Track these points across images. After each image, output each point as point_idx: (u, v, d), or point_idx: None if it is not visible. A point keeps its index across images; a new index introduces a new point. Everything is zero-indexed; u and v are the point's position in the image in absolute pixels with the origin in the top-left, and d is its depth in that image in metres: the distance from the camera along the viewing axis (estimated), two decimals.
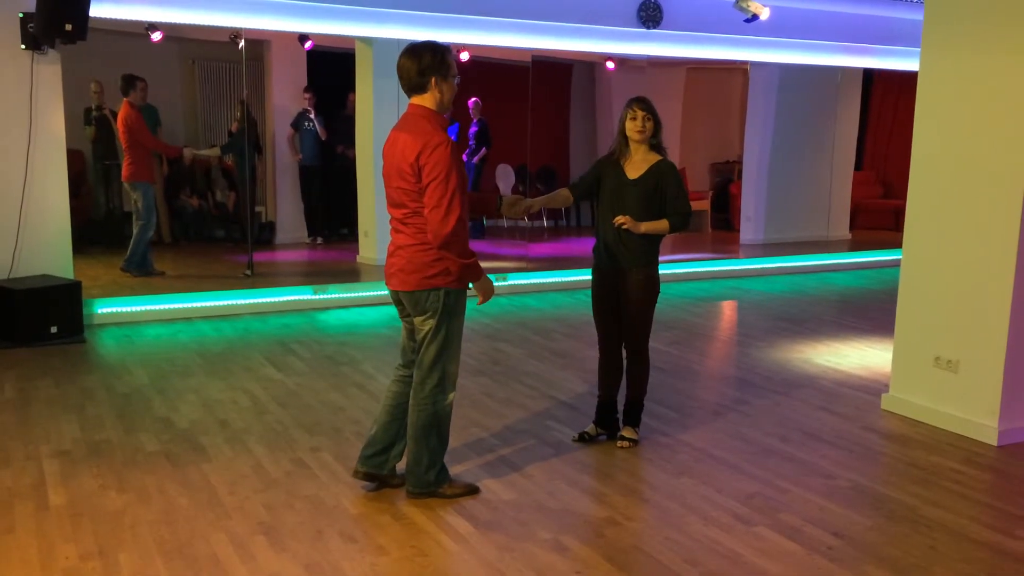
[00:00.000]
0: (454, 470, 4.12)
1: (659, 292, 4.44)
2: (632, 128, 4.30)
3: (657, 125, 4.35)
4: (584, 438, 4.54)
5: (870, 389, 5.56)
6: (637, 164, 4.33)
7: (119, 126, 8.14)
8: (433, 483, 3.82)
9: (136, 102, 8.13)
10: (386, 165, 3.71)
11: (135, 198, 8.12)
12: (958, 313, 4.81)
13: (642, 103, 4.33)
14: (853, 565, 3.34)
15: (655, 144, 4.36)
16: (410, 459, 3.82)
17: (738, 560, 3.36)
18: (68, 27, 6.03)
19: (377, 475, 3.89)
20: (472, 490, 3.91)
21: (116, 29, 7.84)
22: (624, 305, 4.39)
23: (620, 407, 4.61)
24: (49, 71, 6.60)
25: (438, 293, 3.66)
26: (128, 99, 8.06)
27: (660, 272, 4.47)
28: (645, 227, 4.26)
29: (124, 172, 8.12)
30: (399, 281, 3.71)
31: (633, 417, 4.56)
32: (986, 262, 4.66)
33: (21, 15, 6.40)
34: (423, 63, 3.56)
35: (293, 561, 3.29)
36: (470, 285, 3.77)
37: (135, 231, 8.14)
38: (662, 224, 4.29)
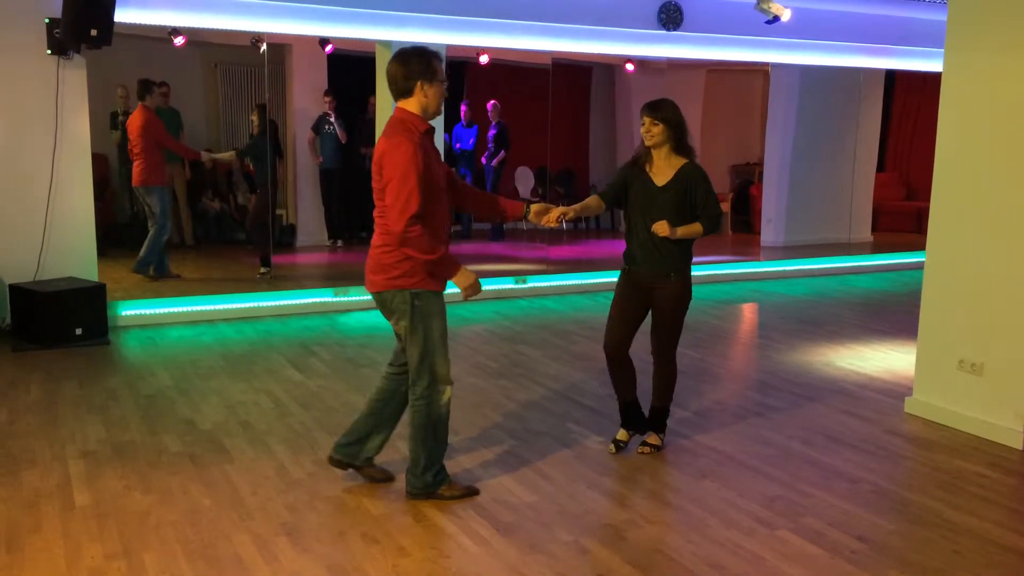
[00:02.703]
0: (475, 472, 4.13)
1: (691, 298, 4.41)
2: (643, 135, 4.29)
3: (673, 127, 4.27)
4: (619, 446, 4.47)
5: (893, 392, 5.51)
6: (663, 169, 4.28)
7: (132, 130, 8.11)
8: (431, 484, 3.83)
9: (153, 106, 8.17)
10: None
11: (149, 202, 8.15)
12: (983, 315, 4.77)
13: (649, 109, 4.28)
14: (876, 569, 3.32)
15: (679, 147, 4.29)
16: (410, 459, 3.86)
17: (760, 564, 3.34)
18: (93, 32, 6.10)
19: (349, 464, 3.97)
20: (471, 492, 3.90)
21: (140, 34, 7.91)
22: (657, 312, 4.36)
23: (644, 407, 4.58)
24: (75, 76, 6.68)
25: (404, 294, 3.65)
26: (144, 103, 8.09)
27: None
28: (681, 232, 4.23)
29: (136, 177, 8.11)
30: (368, 282, 3.77)
31: (658, 424, 4.52)
32: (1011, 264, 4.62)
33: (47, 20, 6.48)
34: (410, 68, 3.62)
35: (315, 562, 3.31)
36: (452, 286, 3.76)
37: (150, 233, 8.18)
38: (696, 228, 4.27)
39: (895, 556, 3.43)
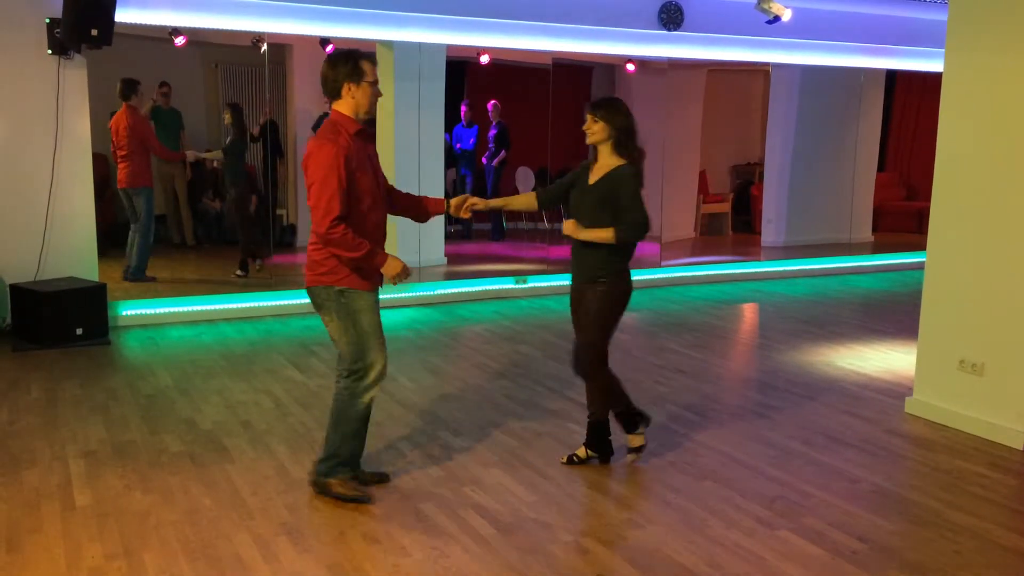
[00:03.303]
0: (476, 472, 4.13)
1: (622, 307, 4.11)
2: (585, 131, 4.09)
3: (615, 127, 4.01)
4: (573, 460, 4.27)
5: (894, 393, 5.51)
6: (599, 169, 4.07)
7: (118, 131, 7.93)
8: (323, 473, 3.83)
9: (138, 106, 8.02)
10: None
11: (136, 204, 7.98)
12: (983, 316, 4.77)
13: (591, 106, 4.07)
14: (877, 570, 3.32)
15: (619, 148, 4.03)
16: (323, 445, 3.90)
17: (761, 564, 3.34)
18: (94, 32, 6.10)
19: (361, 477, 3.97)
20: (361, 499, 3.79)
21: (140, 34, 7.91)
22: (582, 317, 4.14)
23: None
24: (75, 76, 6.69)
25: (329, 291, 3.72)
26: (129, 103, 7.92)
27: (633, 282, 4.14)
28: (585, 235, 3.97)
29: (125, 179, 7.94)
30: (304, 278, 3.84)
31: (626, 424, 4.28)
32: (1012, 264, 4.62)
33: (48, 20, 6.49)
34: (337, 71, 3.69)
35: (316, 562, 3.31)
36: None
37: (137, 239, 7.98)
38: (605, 233, 3.94)
39: (896, 556, 3.43)
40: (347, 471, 3.87)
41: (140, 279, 8.05)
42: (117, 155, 8.07)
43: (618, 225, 3.96)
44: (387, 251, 3.77)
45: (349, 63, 3.69)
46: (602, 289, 4.06)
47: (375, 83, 3.75)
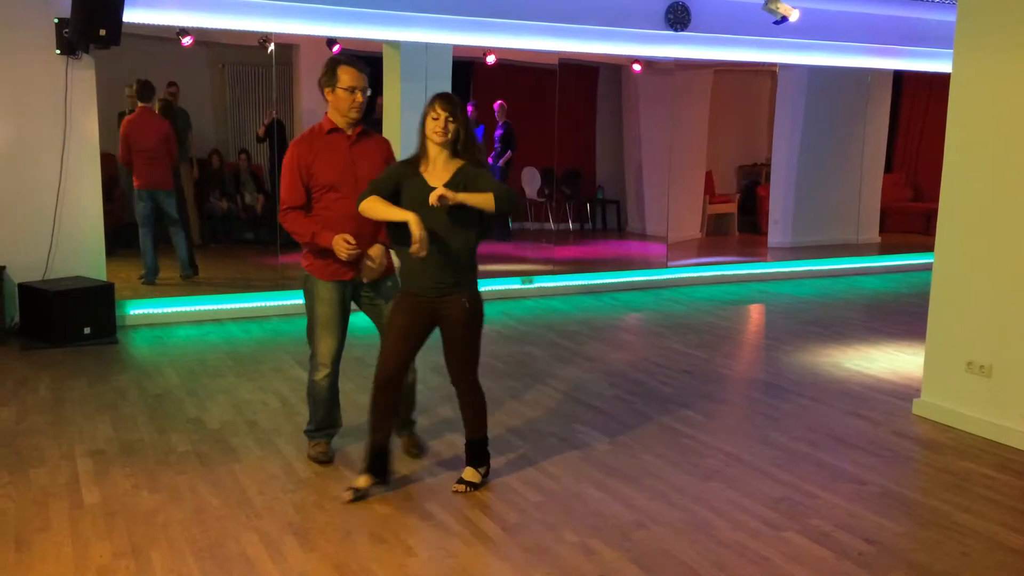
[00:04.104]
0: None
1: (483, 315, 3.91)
2: (432, 128, 3.69)
3: (468, 135, 3.72)
4: (358, 494, 3.84)
5: (901, 394, 5.50)
6: (439, 172, 3.72)
7: (153, 135, 8.04)
8: (306, 433, 4.35)
9: (155, 108, 8.12)
10: None
11: (168, 205, 8.08)
12: (991, 317, 4.76)
13: (446, 101, 3.69)
14: (884, 571, 3.31)
15: (461, 152, 3.75)
16: None
17: (767, 565, 3.34)
18: (102, 32, 6.11)
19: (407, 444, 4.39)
20: (320, 461, 4.24)
21: (148, 34, 7.92)
22: (448, 333, 3.90)
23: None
24: (83, 76, 6.71)
25: (303, 275, 4.17)
26: (149, 105, 8.01)
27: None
28: (464, 197, 3.59)
29: (154, 180, 8.02)
30: None
31: (478, 458, 4.03)
32: (1020, 265, 4.61)
33: (56, 20, 6.51)
34: (321, 76, 4.06)
35: (323, 561, 3.32)
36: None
37: (180, 236, 8.14)
38: (484, 197, 3.63)
39: (903, 558, 3.42)
40: (321, 436, 4.30)
41: (193, 274, 8.18)
42: (139, 157, 8.02)
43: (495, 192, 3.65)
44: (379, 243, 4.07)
45: (328, 69, 4.03)
46: (468, 305, 3.79)
47: (350, 89, 3.99)
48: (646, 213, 11.79)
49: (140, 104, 8.02)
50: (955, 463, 4.41)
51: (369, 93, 4.08)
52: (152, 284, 8.03)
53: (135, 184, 8.10)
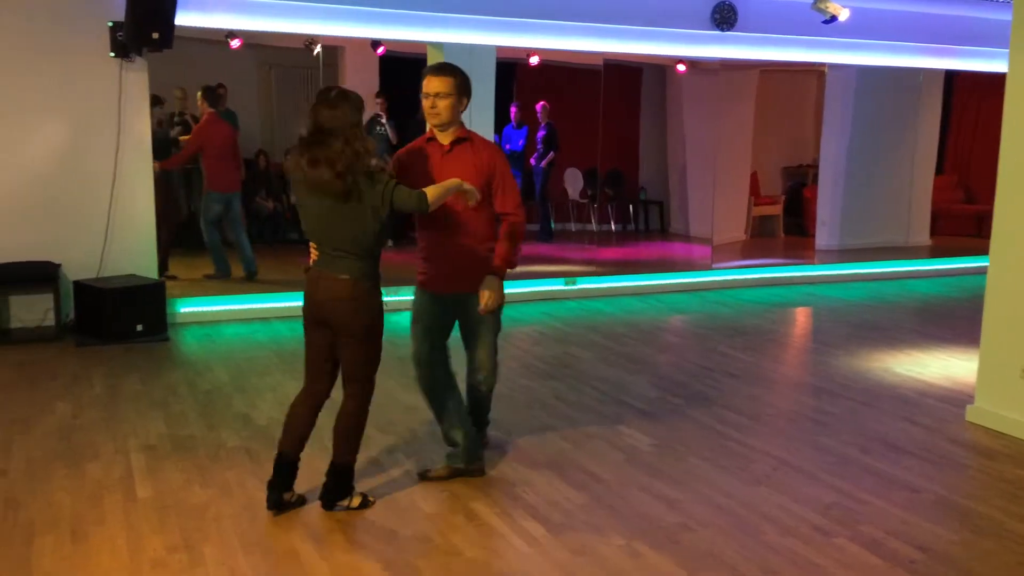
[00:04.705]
0: (525, 472, 4.14)
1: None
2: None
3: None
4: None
5: (954, 400, 5.39)
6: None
7: (223, 139, 8.31)
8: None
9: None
10: None
11: (235, 206, 8.36)
12: None
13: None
14: None
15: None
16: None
17: (817, 572, 3.29)
18: (155, 35, 6.22)
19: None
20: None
21: (197, 37, 8.06)
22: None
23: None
24: (136, 78, 6.84)
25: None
26: (215, 110, 8.26)
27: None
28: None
29: (231, 183, 8.35)
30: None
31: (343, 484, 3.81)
32: None
33: (111, 24, 6.65)
34: None
35: (369, 558, 3.35)
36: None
37: (243, 237, 8.37)
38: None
39: (957, 567, 3.35)
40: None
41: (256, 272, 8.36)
42: (212, 160, 8.23)
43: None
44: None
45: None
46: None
47: (424, 95, 3.89)
48: (690, 214, 11.71)
49: (210, 109, 8.23)
50: (1010, 471, 4.31)
51: (452, 99, 3.85)
52: (228, 279, 8.24)
53: (209, 187, 8.31)
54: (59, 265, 6.67)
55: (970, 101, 12.42)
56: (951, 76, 11.48)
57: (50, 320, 6.62)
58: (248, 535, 3.50)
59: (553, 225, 11.65)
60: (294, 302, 7.53)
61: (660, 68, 12.47)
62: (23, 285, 6.52)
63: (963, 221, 12.17)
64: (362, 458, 4.30)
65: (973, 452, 4.59)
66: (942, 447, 4.63)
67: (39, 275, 6.50)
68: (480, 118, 8.60)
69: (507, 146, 11.34)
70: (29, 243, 6.62)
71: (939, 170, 11.95)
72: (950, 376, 5.95)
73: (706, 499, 3.94)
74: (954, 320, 7.77)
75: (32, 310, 6.68)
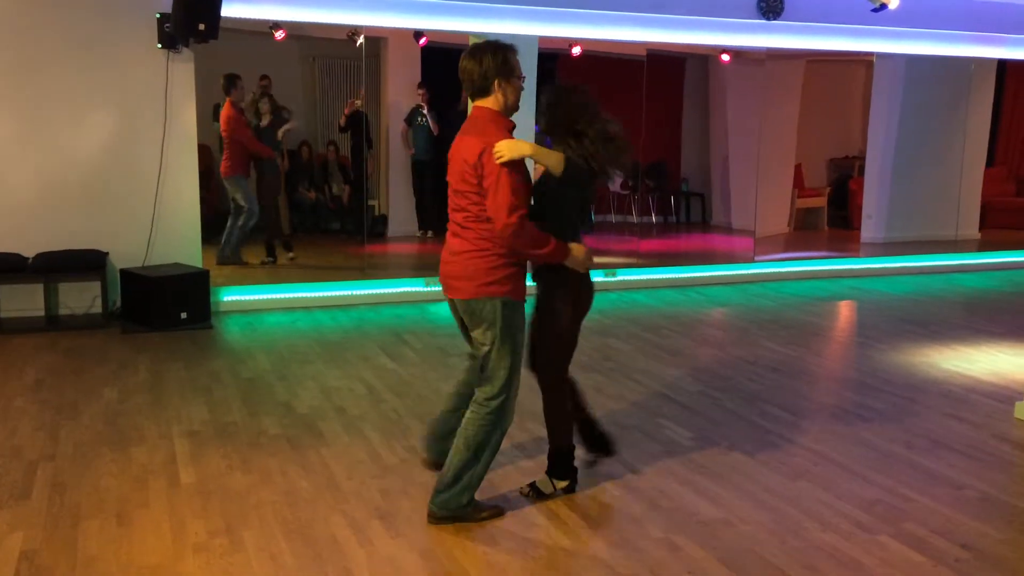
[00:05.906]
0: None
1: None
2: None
3: None
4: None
5: (1002, 396, 5.27)
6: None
7: (221, 124, 8.38)
8: (464, 506, 3.54)
9: (238, 100, 8.37)
10: (450, 168, 3.62)
11: (232, 192, 8.40)
12: None
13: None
14: None
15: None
16: (448, 475, 3.53)
17: (859, 568, 3.24)
18: (201, 27, 6.31)
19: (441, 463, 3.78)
20: (498, 512, 3.62)
21: (241, 28, 8.15)
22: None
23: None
24: (183, 69, 6.94)
25: (495, 303, 3.46)
26: (230, 98, 8.30)
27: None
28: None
29: (222, 168, 8.41)
30: (455, 289, 3.57)
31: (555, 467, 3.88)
32: None
33: (158, 15, 6.75)
34: (484, 66, 3.43)
35: (408, 547, 3.37)
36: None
37: (232, 223, 8.42)
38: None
39: (1003, 566, 3.28)
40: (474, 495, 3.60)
41: (231, 261, 8.37)
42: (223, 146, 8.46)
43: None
44: None
45: (498, 56, 3.44)
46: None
47: (520, 77, 3.53)
48: (732, 206, 11.57)
49: (226, 96, 8.34)
50: None
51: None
52: (221, 264, 8.31)
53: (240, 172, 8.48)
54: (106, 254, 6.81)
55: (1022, 91, 12.11)
56: (1003, 65, 11.19)
57: (97, 307, 6.76)
58: (289, 522, 3.54)
59: (593, 217, 11.59)
60: (335, 291, 7.67)
61: (703, 58, 12.33)
62: (72, 273, 6.67)
63: (1014, 214, 11.88)
64: (400, 447, 4.33)
65: (1021, 450, 4.48)
66: (989, 444, 4.53)
67: (87, 263, 6.64)
68: (521, 109, 8.58)
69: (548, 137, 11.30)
70: (78, 232, 6.77)
71: (990, 162, 11.67)
72: (998, 372, 5.81)
73: (747, 494, 3.90)
74: (1003, 315, 7.59)
75: (80, 298, 6.83)
